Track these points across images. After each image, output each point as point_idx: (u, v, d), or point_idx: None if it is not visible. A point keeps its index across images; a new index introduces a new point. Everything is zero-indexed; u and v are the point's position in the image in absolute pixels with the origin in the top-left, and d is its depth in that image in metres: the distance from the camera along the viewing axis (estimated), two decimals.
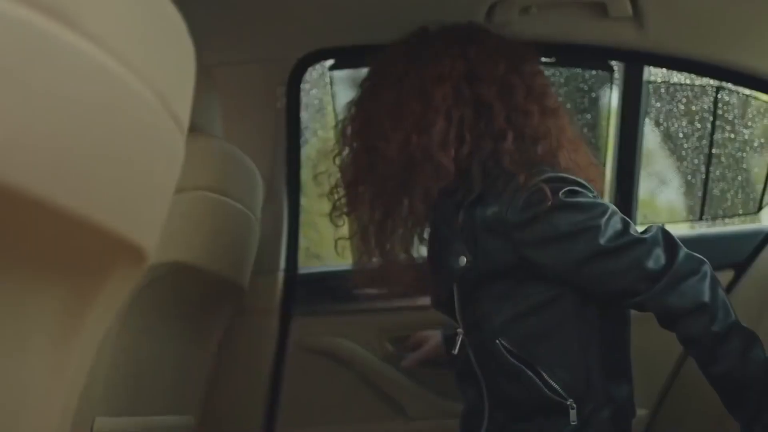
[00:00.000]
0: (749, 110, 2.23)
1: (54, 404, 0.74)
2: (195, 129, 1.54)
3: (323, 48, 1.97)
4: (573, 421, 1.35)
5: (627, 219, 1.36)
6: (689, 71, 1.93)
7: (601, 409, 1.38)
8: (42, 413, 0.71)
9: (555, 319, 1.38)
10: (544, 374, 1.36)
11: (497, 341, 1.39)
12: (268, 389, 1.98)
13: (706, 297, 1.29)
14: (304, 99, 2.09)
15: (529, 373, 1.37)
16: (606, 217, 1.33)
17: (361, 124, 1.51)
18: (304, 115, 2.13)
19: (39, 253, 0.55)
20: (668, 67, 1.93)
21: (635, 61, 1.93)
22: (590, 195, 1.37)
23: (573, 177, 1.38)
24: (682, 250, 1.32)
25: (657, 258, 1.31)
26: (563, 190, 1.33)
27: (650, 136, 2.18)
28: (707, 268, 1.32)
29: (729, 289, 1.84)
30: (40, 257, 0.56)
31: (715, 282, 1.32)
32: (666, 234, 1.34)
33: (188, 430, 1.66)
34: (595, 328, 1.40)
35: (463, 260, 1.41)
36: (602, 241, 1.31)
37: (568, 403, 1.36)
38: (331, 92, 2.29)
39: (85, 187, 0.51)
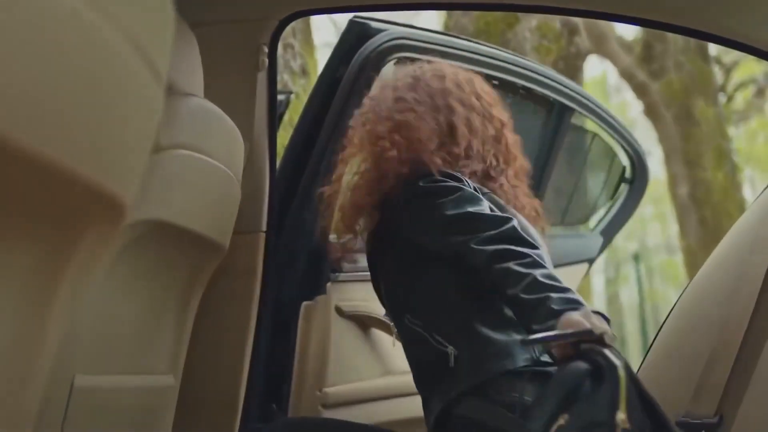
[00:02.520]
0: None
1: (31, 361, 0.74)
2: (176, 88, 1.53)
3: (304, 9, 1.97)
4: (451, 365, 1.48)
5: (480, 203, 1.52)
6: (680, 34, 1.93)
7: (481, 352, 1.47)
8: (18, 370, 0.71)
9: (439, 286, 1.56)
10: (438, 336, 1.52)
11: (405, 317, 1.59)
12: (250, 348, 1.98)
13: (524, 269, 1.38)
14: None
15: (430, 339, 1.53)
16: (455, 195, 1.53)
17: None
18: None
19: (11, 203, 0.55)
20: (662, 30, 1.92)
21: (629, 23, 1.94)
22: (454, 183, 1.56)
23: (448, 171, 1.58)
24: (518, 241, 1.44)
25: (489, 238, 1.45)
26: (424, 179, 1.56)
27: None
28: (534, 255, 1.41)
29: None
30: (12, 207, 0.55)
31: (536, 263, 1.40)
32: (509, 225, 1.47)
33: (169, 390, 1.67)
34: (475, 288, 1.51)
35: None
36: (448, 213, 1.51)
37: (449, 350, 1.49)
38: None
39: (57, 133, 0.51)
